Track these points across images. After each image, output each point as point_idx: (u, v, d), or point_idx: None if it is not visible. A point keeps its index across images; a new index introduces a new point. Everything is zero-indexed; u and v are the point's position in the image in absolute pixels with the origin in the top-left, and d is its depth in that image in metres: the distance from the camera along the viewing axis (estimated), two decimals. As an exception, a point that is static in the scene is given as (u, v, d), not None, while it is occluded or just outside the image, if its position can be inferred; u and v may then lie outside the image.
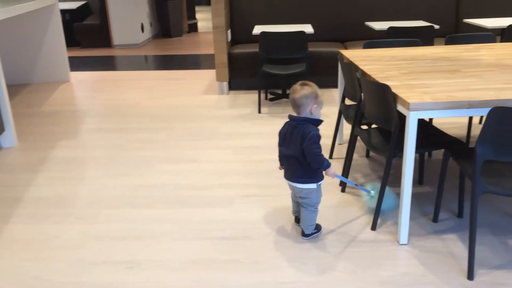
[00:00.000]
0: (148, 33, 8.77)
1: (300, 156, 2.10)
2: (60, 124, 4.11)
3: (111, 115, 4.34)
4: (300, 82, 2.15)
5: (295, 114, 2.13)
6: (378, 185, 2.39)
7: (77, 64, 6.66)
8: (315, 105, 2.10)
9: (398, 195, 2.64)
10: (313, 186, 2.15)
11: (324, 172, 2.13)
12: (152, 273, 2.04)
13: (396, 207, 2.39)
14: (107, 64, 6.76)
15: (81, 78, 5.80)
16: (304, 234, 2.27)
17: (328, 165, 2.09)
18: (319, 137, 2.07)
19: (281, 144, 2.20)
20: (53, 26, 5.42)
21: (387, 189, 2.38)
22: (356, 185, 2.41)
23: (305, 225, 2.24)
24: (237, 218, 2.47)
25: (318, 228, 2.30)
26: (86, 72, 6.17)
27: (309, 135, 2.04)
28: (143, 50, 7.84)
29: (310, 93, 2.09)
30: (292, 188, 2.23)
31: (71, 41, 7.93)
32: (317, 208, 2.23)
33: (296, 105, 2.11)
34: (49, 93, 5.15)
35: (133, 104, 4.67)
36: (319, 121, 2.11)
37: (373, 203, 2.39)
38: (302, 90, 2.09)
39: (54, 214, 2.57)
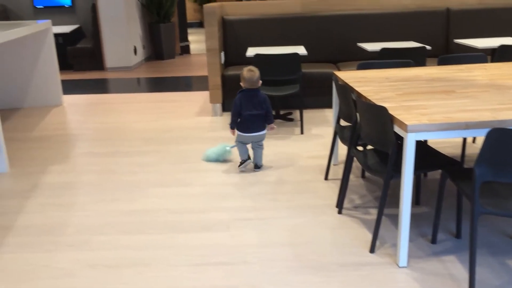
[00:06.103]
0: (140, 55, 8.80)
1: (262, 113, 3.23)
2: (52, 148, 4.06)
3: (103, 138, 4.30)
4: (248, 67, 3.20)
5: (247, 87, 3.22)
6: (233, 144, 3.43)
7: (69, 88, 6.64)
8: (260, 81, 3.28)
9: (396, 216, 2.61)
10: (265, 131, 3.29)
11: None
12: (147, 302, 1.98)
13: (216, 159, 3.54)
14: (100, 87, 6.74)
15: (73, 102, 5.77)
16: (257, 167, 3.35)
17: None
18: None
19: (245, 110, 3.19)
20: (47, 50, 5.40)
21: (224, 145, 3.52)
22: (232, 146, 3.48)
23: (259, 159, 3.35)
24: (234, 242, 2.42)
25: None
26: (78, 95, 6.14)
27: (266, 98, 3.26)
28: (135, 73, 7.84)
29: (259, 73, 3.24)
30: (255, 138, 3.25)
31: (64, 64, 7.91)
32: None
33: (254, 82, 3.21)
34: (41, 117, 5.11)
35: (125, 127, 4.63)
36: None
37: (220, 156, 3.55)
38: (256, 72, 3.21)
39: (45, 242, 2.50)
